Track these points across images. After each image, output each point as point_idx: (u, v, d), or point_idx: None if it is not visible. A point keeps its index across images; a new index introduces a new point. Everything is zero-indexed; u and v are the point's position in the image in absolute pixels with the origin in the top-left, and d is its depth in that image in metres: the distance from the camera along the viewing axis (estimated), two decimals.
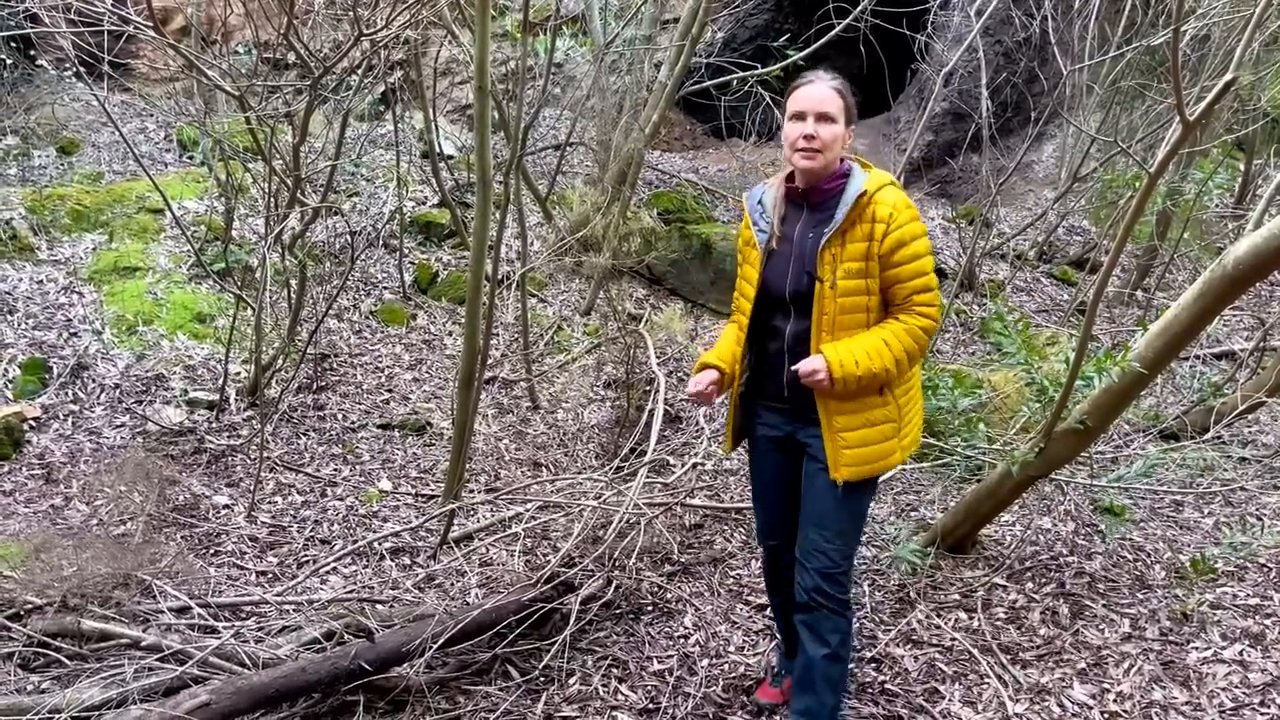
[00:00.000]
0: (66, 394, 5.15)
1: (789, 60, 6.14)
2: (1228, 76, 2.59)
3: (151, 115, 8.48)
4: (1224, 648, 3.36)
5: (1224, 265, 2.98)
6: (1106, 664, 3.28)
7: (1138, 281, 8.04)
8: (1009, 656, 3.33)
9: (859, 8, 6.23)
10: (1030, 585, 3.83)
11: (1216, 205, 8.50)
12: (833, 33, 6.00)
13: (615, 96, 7.55)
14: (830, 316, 2.54)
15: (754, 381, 2.80)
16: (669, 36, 7.40)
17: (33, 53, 7.71)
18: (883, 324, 2.58)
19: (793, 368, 2.55)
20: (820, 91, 2.54)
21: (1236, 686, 3.14)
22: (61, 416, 5.00)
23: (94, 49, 4.56)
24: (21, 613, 3.30)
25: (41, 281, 5.87)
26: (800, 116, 2.53)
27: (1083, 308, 7.10)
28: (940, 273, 7.92)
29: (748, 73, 7.08)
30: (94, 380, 5.27)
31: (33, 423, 4.90)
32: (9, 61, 7.63)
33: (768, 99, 6.88)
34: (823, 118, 2.50)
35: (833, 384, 2.49)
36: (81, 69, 5.27)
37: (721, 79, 7.24)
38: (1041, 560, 4.03)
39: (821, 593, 2.68)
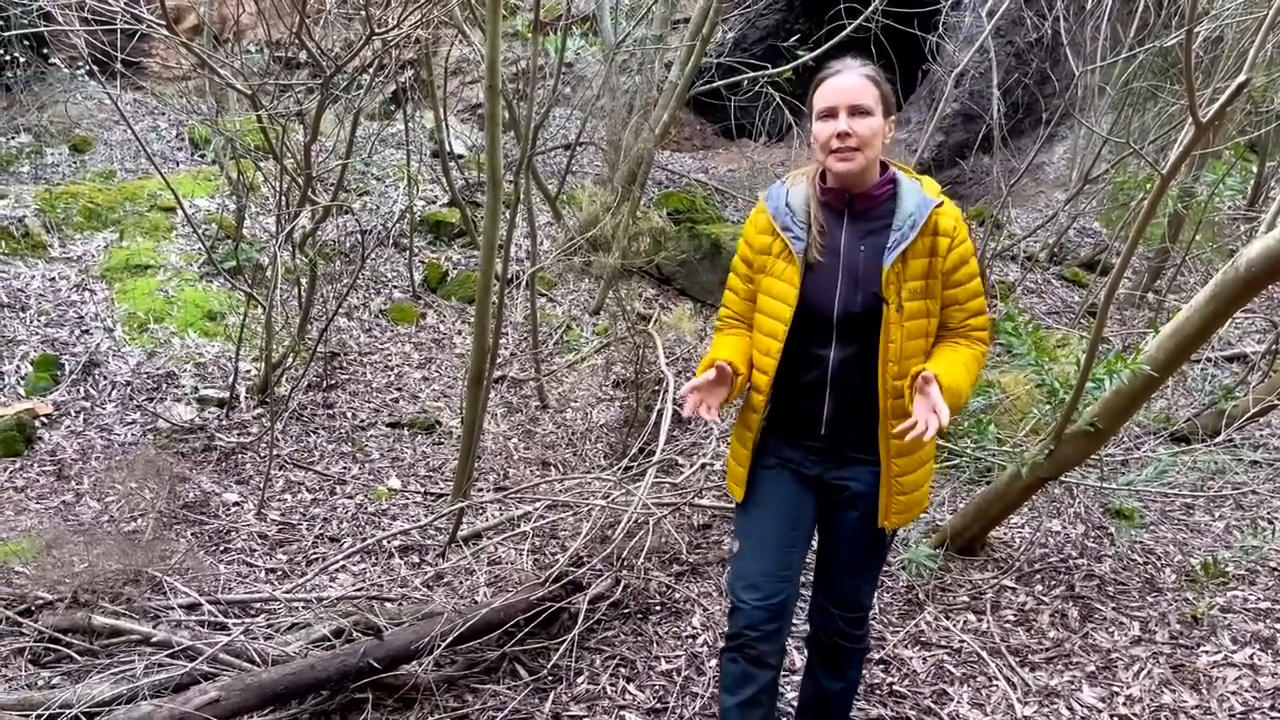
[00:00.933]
0: (78, 391, 5.17)
1: (799, 60, 6.13)
2: (1241, 78, 2.58)
3: (164, 113, 8.52)
4: (1234, 651, 3.35)
5: (1236, 267, 2.97)
6: (1116, 667, 3.27)
7: (1149, 283, 8.00)
8: (1018, 659, 3.32)
9: (870, 8, 6.22)
10: (1039, 588, 3.82)
11: (1229, 207, 8.46)
12: (844, 33, 5.99)
13: (625, 96, 7.55)
14: (898, 344, 2.22)
15: (778, 417, 2.42)
16: (679, 36, 7.40)
17: (46, 51, 7.76)
18: (950, 346, 2.31)
19: (927, 389, 2.12)
20: (851, 81, 2.19)
21: (1247, 690, 3.12)
22: (73, 413, 5.03)
23: (107, 47, 4.58)
24: (33, 608, 3.32)
25: (54, 279, 5.89)
26: (830, 113, 2.19)
27: (1093, 309, 7.07)
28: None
29: (758, 73, 7.08)
30: (105, 377, 5.29)
31: (45, 419, 4.93)
32: (22, 59, 7.67)
33: (778, 99, 6.88)
34: (857, 111, 2.16)
35: (945, 410, 2.11)
36: (94, 67, 5.29)
37: (732, 79, 7.23)
38: (1051, 563, 4.02)
39: (848, 636, 2.53)
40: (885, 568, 3.96)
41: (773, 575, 2.41)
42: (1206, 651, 3.36)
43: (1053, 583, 3.86)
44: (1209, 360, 6.78)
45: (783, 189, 2.38)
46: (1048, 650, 3.39)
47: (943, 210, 2.25)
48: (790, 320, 2.27)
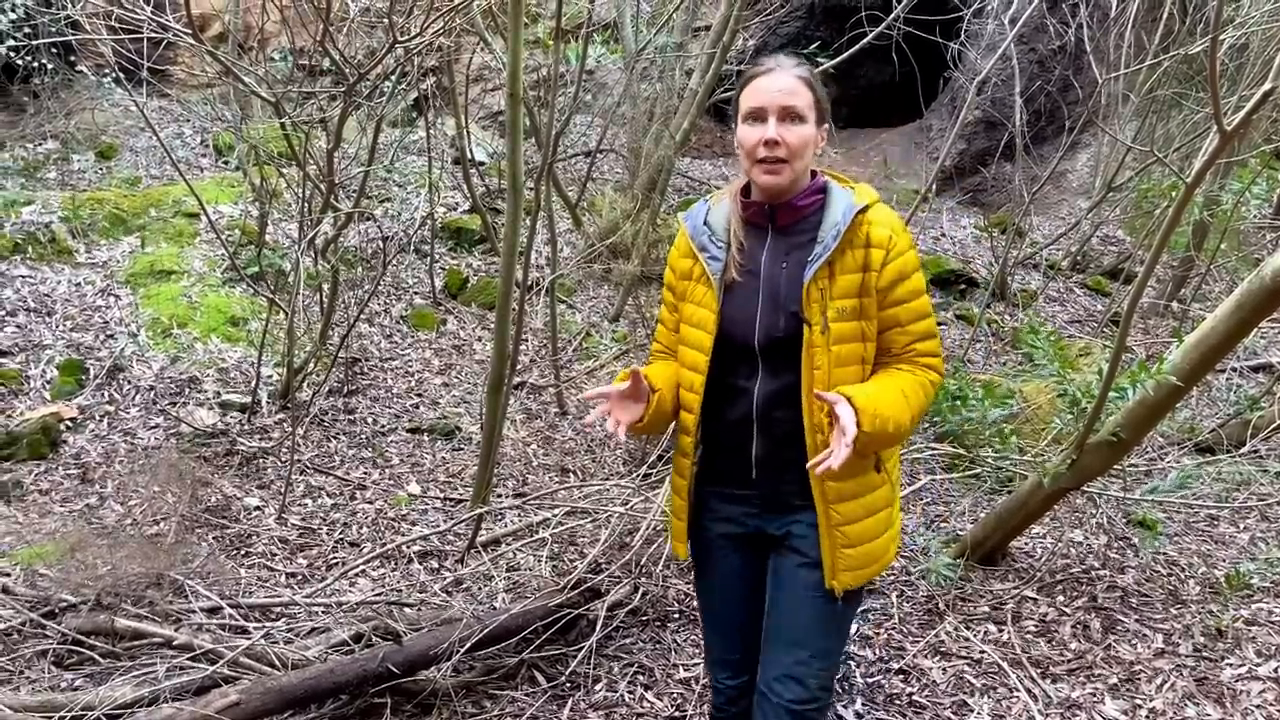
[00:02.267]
0: (102, 395, 5.22)
1: (821, 68, 6.12)
2: (1267, 86, 2.56)
3: (188, 120, 8.60)
4: (1259, 664, 3.31)
5: (1262, 277, 2.94)
6: (1139, 680, 3.24)
7: (1173, 292, 7.94)
8: (1039, 670, 3.30)
9: (891, 15, 6.20)
10: (1061, 598, 3.78)
11: (1255, 216, 8.38)
12: (865, 40, 5.98)
13: (646, 103, 7.56)
14: (824, 370, 1.95)
15: (709, 461, 2.18)
16: (700, 44, 7.41)
17: (73, 59, 7.84)
18: (888, 371, 2.03)
19: (838, 412, 1.86)
20: (783, 81, 1.94)
21: (1272, 704, 3.09)
22: (97, 417, 5.07)
23: (133, 55, 4.63)
24: (56, 610, 3.35)
25: (79, 284, 5.95)
26: (758, 116, 1.95)
27: (1117, 318, 7.02)
28: (972, 282, 7.86)
29: None
30: (129, 382, 5.33)
31: (69, 423, 4.97)
32: (50, 67, 7.76)
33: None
34: (789, 115, 1.93)
35: (858, 441, 1.86)
36: (121, 75, 5.35)
37: None
38: (1073, 573, 3.99)
39: None
40: (905, 577, 3.94)
41: (737, 654, 2.27)
42: (1231, 664, 3.32)
43: (1075, 593, 3.82)
44: (1234, 370, 6.72)
45: (703, 207, 2.15)
46: (1069, 662, 3.36)
47: (873, 217, 1.99)
48: (711, 350, 2.04)
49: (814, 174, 2.06)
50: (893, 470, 2.15)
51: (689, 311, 2.12)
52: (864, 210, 1.98)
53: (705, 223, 2.11)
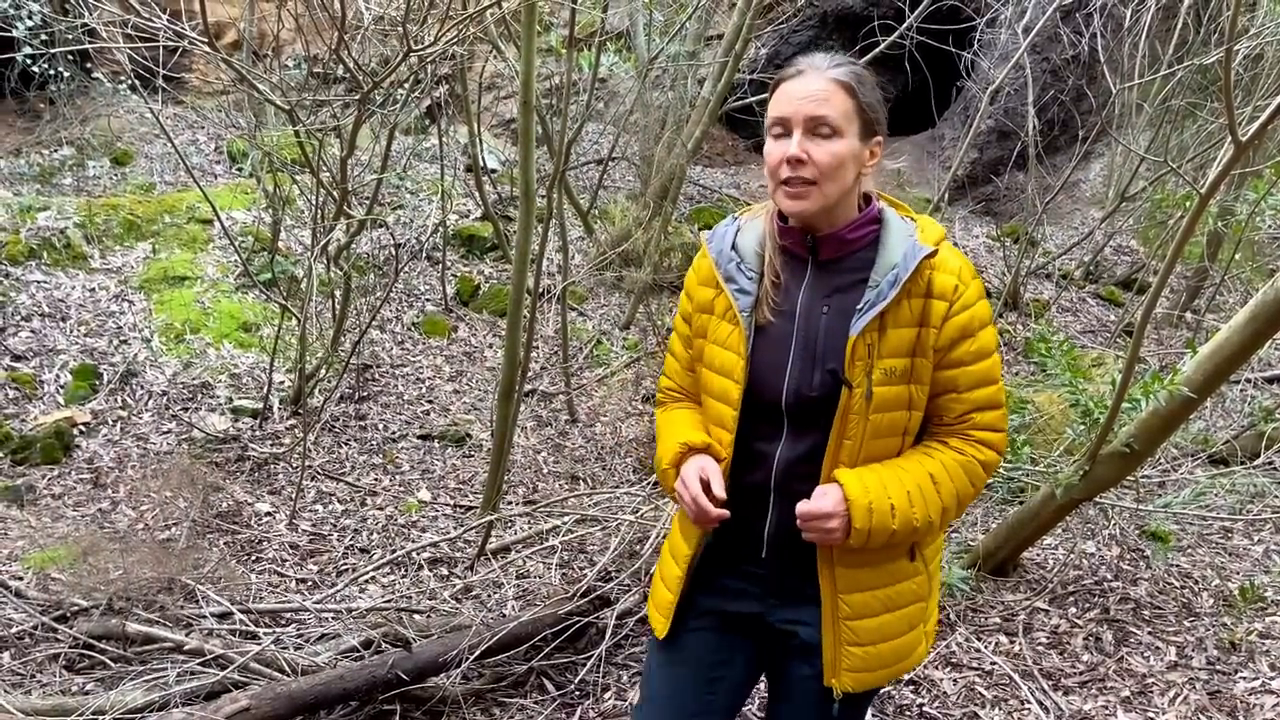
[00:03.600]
0: (115, 400, 5.24)
1: None
2: None
3: (203, 127, 8.65)
4: (1272, 678, 3.28)
5: (1276, 288, 2.93)
6: (1151, 693, 3.22)
7: (1187, 303, 7.90)
8: (1050, 682, 3.28)
9: (904, 25, 6.21)
10: (1073, 610, 3.76)
11: (1269, 227, 8.35)
12: (877, 50, 5.98)
13: (658, 112, 7.58)
14: (856, 442, 1.65)
15: (719, 533, 1.81)
16: (712, 53, 7.42)
17: (89, 66, 7.90)
18: (926, 448, 1.73)
19: (800, 507, 1.63)
20: (814, 86, 1.61)
21: None
22: (110, 422, 5.09)
23: (149, 62, 4.67)
24: (68, 615, 3.36)
25: (93, 290, 5.99)
26: (783, 128, 1.64)
27: (1130, 329, 6.99)
28: (984, 291, 7.84)
29: None
30: (142, 387, 5.36)
31: (82, 428, 5.00)
32: (66, 74, 7.82)
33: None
34: (818, 128, 1.61)
35: (848, 536, 1.62)
36: (136, 82, 5.38)
37: (764, 95, 7.24)
38: (1085, 585, 3.97)
39: None
40: None
41: None
42: (1244, 678, 3.29)
43: (1087, 605, 3.80)
44: (1248, 381, 6.68)
45: (731, 227, 1.82)
46: (1081, 674, 3.34)
47: (940, 262, 1.66)
48: (740, 403, 1.71)
49: (869, 199, 1.74)
50: (932, 558, 1.82)
51: (711, 354, 1.77)
52: (932, 254, 1.64)
53: (733, 247, 1.77)
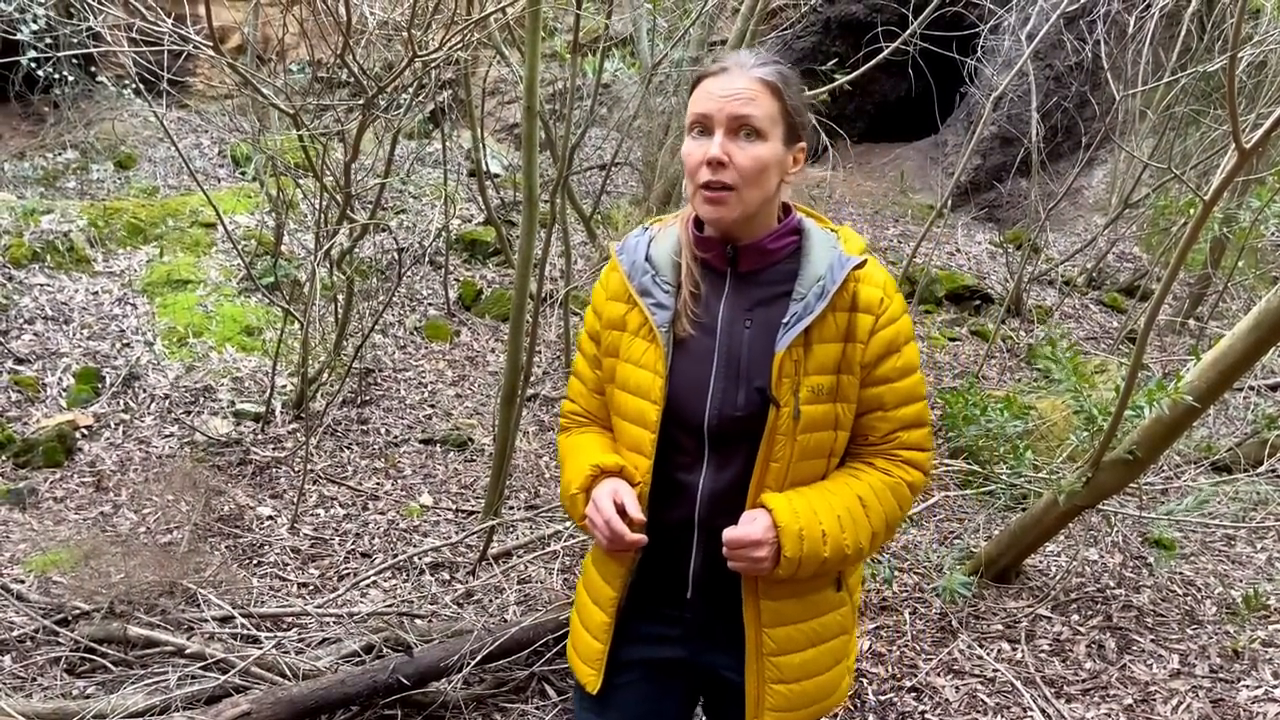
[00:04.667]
0: (118, 403, 5.24)
1: (835, 84, 6.13)
2: None
3: (207, 131, 8.66)
4: (1276, 686, 3.27)
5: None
6: (1154, 700, 3.21)
7: (1190, 310, 7.90)
8: (1053, 690, 3.27)
9: (908, 31, 6.21)
10: (1076, 617, 3.76)
11: (1273, 234, 8.34)
12: (881, 56, 5.98)
13: (662, 117, 7.58)
14: (783, 464, 1.55)
15: (639, 572, 1.70)
16: (716, 58, 7.42)
17: (94, 69, 7.92)
18: (853, 470, 1.64)
19: (727, 533, 1.52)
20: (737, 84, 1.50)
21: None
22: (113, 425, 5.10)
23: (153, 66, 4.68)
24: (69, 618, 3.36)
25: (97, 293, 5.99)
26: (703, 127, 1.53)
27: (1133, 336, 6.99)
28: (987, 297, 7.84)
29: None
30: (145, 390, 5.36)
31: (85, 431, 5.00)
32: (71, 78, 7.84)
33: (814, 121, 6.86)
34: (740, 129, 1.50)
35: (777, 566, 1.52)
36: (141, 85, 5.39)
37: None
38: (1088, 592, 3.96)
39: None
40: (919, 594, 3.92)
41: None
42: (1247, 686, 3.28)
43: (1089, 612, 3.79)
44: (1252, 389, 6.67)
45: (643, 237, 1.69)
46: (1084, 682, 3.33)
47: (865, 274, 1.58)
48: (659, 426, 1.59)
49: (787, 209, 1.65)
50: (856, 587, 1.75)
51: (625, 374, 1.63)
52: (860, 265, 1.57)
53: (647, 258, 1.64)
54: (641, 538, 1.55)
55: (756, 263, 1.60)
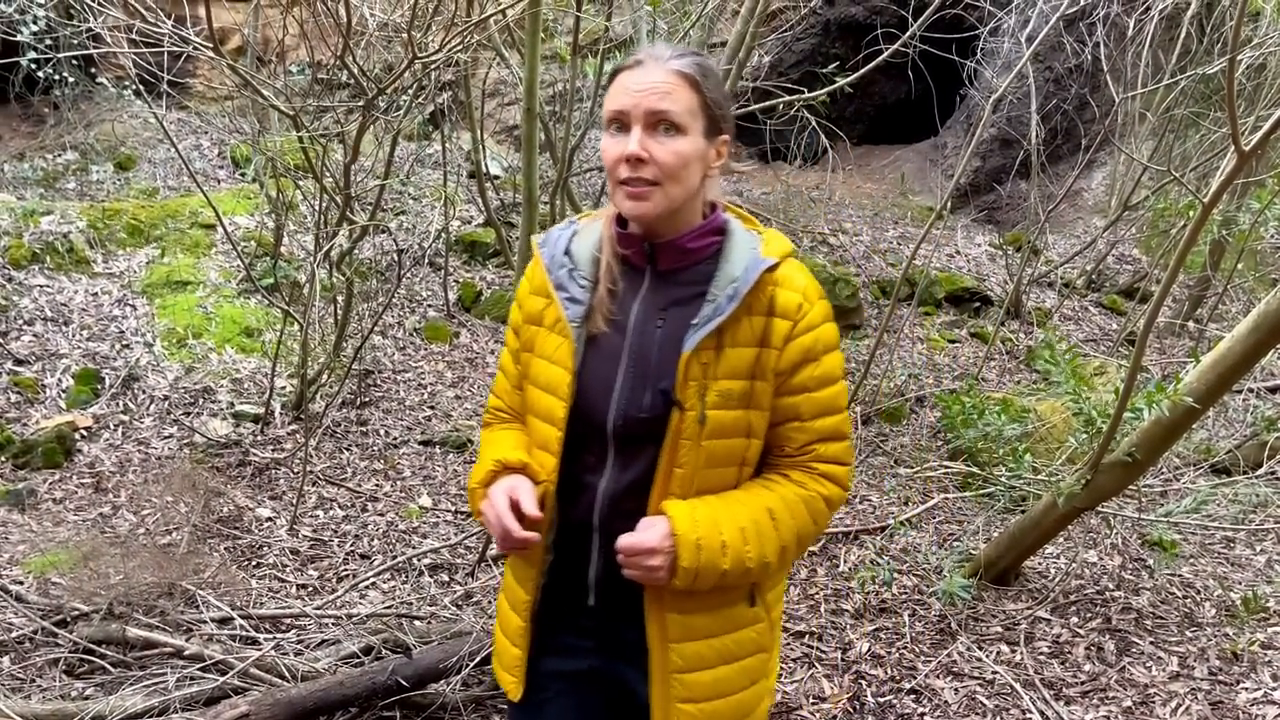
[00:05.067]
0: (117, 404, 5.24)
1: (835, 85, 6.14)
2: None
3: (206, 133, 8.67)
4: (1275, 689, 3.27)
5: (1279, 297, 2.93)
6: (1153, 703, 3.21)
7: (1190, 312, 7.91)
8: (1052, 692, 3.27)
9: (907, 33, 6.21)
10: (1075, 619, 3.75)
11: (1273, 236, 8.35)
12: (881, 58, 5.98)
13: None
14: (688, 471, 1.50)
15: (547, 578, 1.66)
16: (716, 60, 7.43)
17: (94, 70, 7.92)
18: (766, 481, 1.58)
19: (621, 540, 1.47)
20: (653, 78, 1.45)
21: None
22: (112, 426, 5.09)
23: (153, 67, 4.68)
24: (68, 619, 3.36)
25: (96, 294, 5.99)
26: (620, 122, 1.48)
27: (1132, 338, 6.99)
28: (986, 299, 7.84)
29: (794, 97, 7.09)
30: (144, 391, 5.36)
31: (84, 432, 5.00)
32: (71, 79, 7.84)
33: (813, 123, 6.88)
34: (659, 124, 1.46)
35: (673, 576, 1.46)
36: (140, 87, 5.40)
37: (767, 103, 7.25)
38: (1087, 594, 3.96)
39: None
40: (918, 596, 3.92)
41: None
42: (1246, 688, 3.28)
43: (1088, 615, 3.79)
44: (1250, 391, 6.67)
45: (567, 231, 1.66)
46: (1083, 684, 3.33)
47: (784, 278, 1.53)
48: (565, 424, 1.55)
49: (714, 207, 1.60)
50: (775, 604, 1.67)
51: (537, 369, 1.60)
52: (773, 268, 1.51)
53: (567, 252, 1.61)
54: (533, 535, 1.50)
55: (675, 261, 1.56)
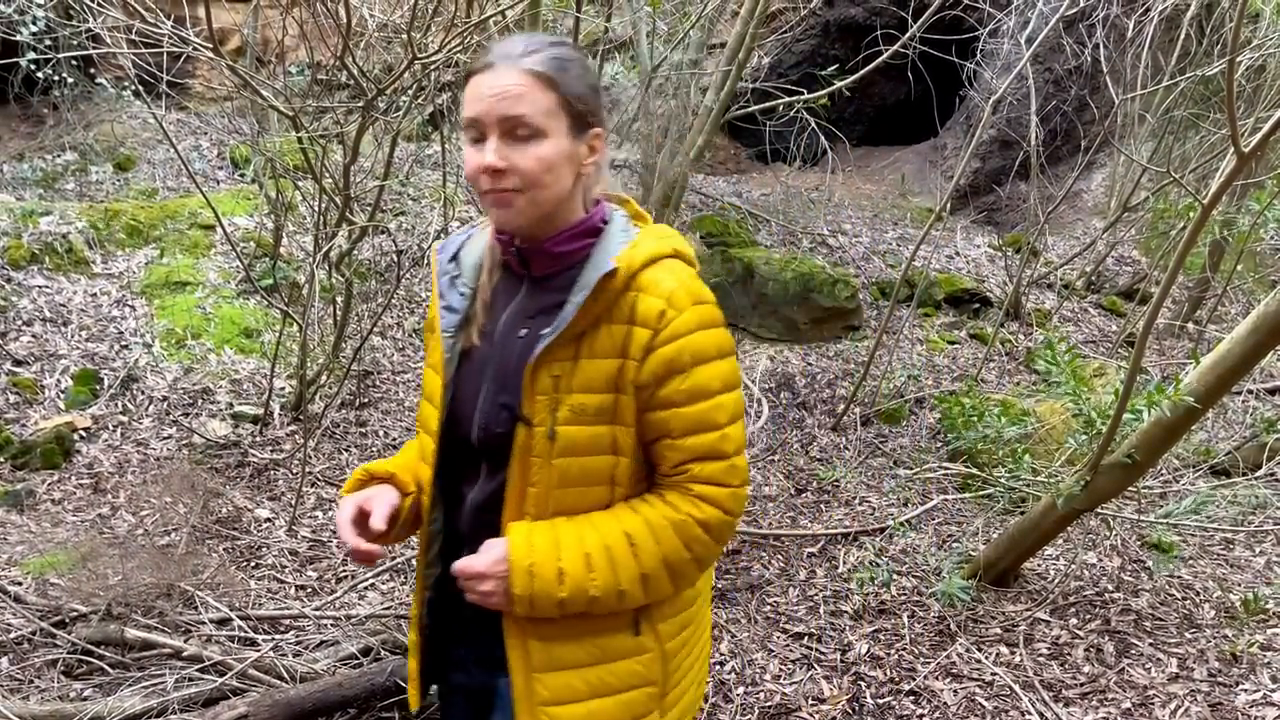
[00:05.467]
0: (116, 405, 5.24)
1: (835, 87, 6.14)
2: None
3: (206, 133, 8.66)
4: (1274, 690, 3.27)
5: (1278, 299, 2.93)
6: (1153, 704, 3.21)
7: (1189, 313, 7.90)
8: (1051, 694, 3.27)
9: (907, 34, 6.21)
10: (1074, 621, 3.75)
11: (1272, 237, 8.35)
12: (880, 59, 5.98)
13: (661, 120, 7.59)
14: (542, 489, 1.42)
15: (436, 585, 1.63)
16: (715, 61, 7.43)
17: (93, 71, 7.92)
18: (637, 502, 1.46)
19: (455, 564, 1.43)
20: (504, 80, 1.35)
21: None
22: (111, 427, 5.09)
23: (153, 68, 4.68)
24: (67, 620, 3.35)
25: (95, 295, 5.99)
26: (477, 130, 1.39)
27: (1131, 339, 6.99)
28: (986, 301, 7.84)
29: (793, 98, 7.09)
30: (143, 392, 5.36)
31: (83, 433, 4.99)
32: (70, 79, 7.84)
33: (813, 124, 6.88)
34: (515, 130, 1.35)
35: (511, 603, 1.40)
36: (140, 87, 5.40)
37: (767, 104, 7.25)
38: (1086, 596, 3.96)
39: None
40: (917, 598, 3.91)
41: None
42: (1245, 690, 3.28)
43: (1088, 616, 3.79)
44: (1250, 392, 6.67)
45: (462, 235, 1.60)
46: (1082, 685, 3.33)
47: (649, 282, 1.40)
48: (439, 435, 1.52)
49: (598, 203, 1.50)
50: (671, 634, 1.53)
51: (425, 378, 1.57)
52: (611, 273, 1.38)
53: (454, 258, 1.55)
54: (372, 548, 1.46)
55: (548, 267, 1.47)
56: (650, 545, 1.41)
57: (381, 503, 1.50)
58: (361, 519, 1.49)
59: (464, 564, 1.41)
